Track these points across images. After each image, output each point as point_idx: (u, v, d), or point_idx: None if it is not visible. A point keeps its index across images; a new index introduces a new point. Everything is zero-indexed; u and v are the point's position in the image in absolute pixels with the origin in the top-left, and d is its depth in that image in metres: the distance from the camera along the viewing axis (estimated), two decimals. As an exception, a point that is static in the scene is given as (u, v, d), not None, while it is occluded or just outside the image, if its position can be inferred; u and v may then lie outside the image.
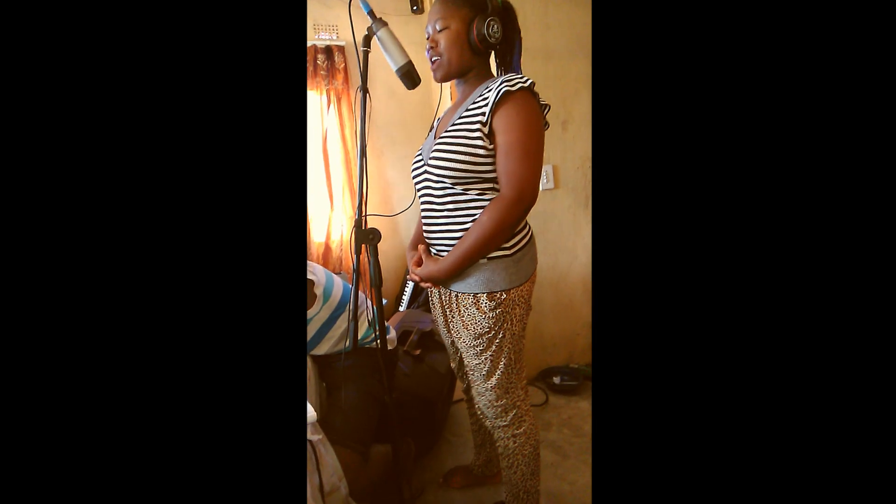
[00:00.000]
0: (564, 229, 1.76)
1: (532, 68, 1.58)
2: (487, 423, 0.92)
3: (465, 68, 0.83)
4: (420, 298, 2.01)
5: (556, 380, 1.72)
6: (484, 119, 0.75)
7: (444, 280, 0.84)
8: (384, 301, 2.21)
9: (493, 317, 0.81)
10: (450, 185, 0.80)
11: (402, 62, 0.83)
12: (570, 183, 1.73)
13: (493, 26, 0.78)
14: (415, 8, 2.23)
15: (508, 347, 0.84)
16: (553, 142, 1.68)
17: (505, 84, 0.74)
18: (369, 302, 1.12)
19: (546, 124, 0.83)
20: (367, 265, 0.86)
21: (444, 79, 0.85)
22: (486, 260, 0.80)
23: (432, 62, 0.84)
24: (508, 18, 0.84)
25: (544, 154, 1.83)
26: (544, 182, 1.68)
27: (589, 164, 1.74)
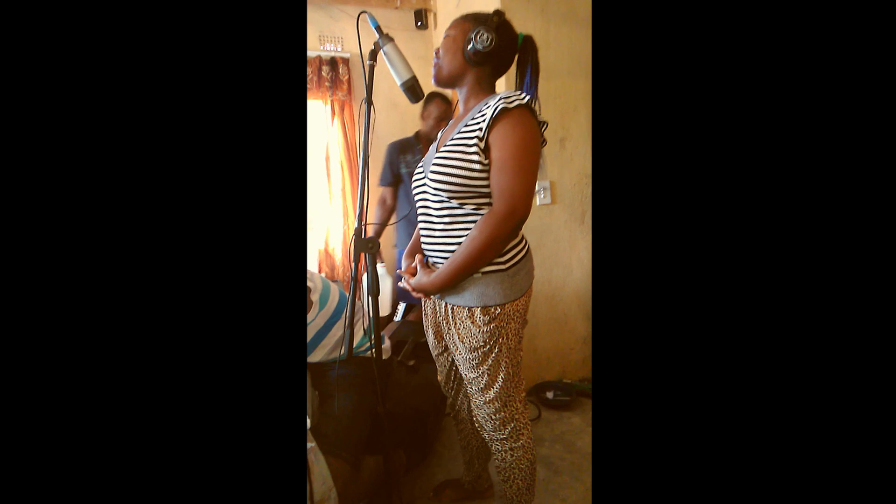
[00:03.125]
0: (560, 244, 1.77)
1: (532, 86, 1.62)
2: (485, 435, 0.92)
3: (456, 74, 0.86)
4: (414, 309, 2.01)
5: (549, 395, 1.71)
6: (481, 134, 0.77)
7: (435, 291, 0.85)
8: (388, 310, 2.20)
9: (487, 331, 0.82)
10: (446, 199, 0.82)
11: (406, 77, 0.85)
12: (566, 199, 1.75)
13: (481, 34, 0.80)
14: (419, 24, 2.28)
15: (506, 361, 0.85)
16: (551, 158, 1.70)
17: (502, 101, 0.76)
18: (365, 310, 1.12)
19: (544, 141, 0.85)
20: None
21: (437, 83, 0.89)
22: (480, 274, 0.81)
23: (434, 69, 0.88)
24: (526, 49, 0.88)
25: (543, 170, 1.84)
26: (541, 197, 1.70)
27: (585, 180, 1.77)
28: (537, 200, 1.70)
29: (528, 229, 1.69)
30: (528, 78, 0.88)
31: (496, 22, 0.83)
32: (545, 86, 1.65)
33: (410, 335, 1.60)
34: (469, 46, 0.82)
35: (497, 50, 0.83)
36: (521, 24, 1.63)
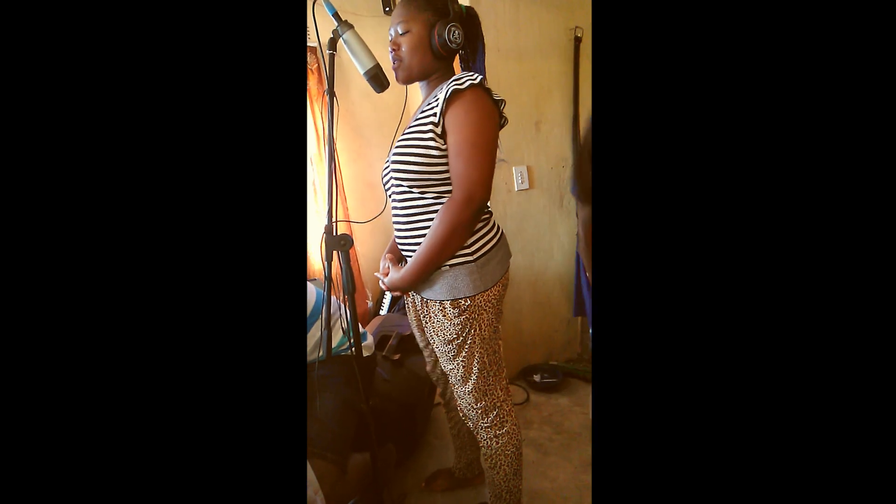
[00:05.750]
0: (540, 229, 1.77)
1: (505, 68, 1.59)
2: (470, 424, 0.92)
3: (427, 72, 0.83)
4: (400, 303, 2.00)
5: (537, 377, 1.73)
6: (435, 119, 0.75)
7: (407, 288, 0.84)
8: (369, 304, 2.17)
9: (458, 323, 0.81)
10: (408, 189, 0.80)
11: (369, 65, 0.82)
12: (544, 183, 1.75)
13: (454, 32, 0.78)
14: (387, 9, 2.21)
15: (480, 352, 0.84)
16: (527, 142, 1.69)
17: (454, 83, 0.73)
18: (343, 309, 1.10)
19: (503, 119, 0.82)
20: (339, 271, 0.84)
21: (405, 81, 0.85)
22: (448, 266, 0.80)
23: (394, 65, 0.83)
24: (472, 24, 0.84)
25: (519, 154, 1.82)
26: (519, 182, 1.69)
27: (563, 163, 1.77)
28: (515, 186, 1.69)
29: (507, 215, 1.69)
30: (481, 53, 0.85)
31: (461, 13, 0.80)
32: (516, 68, 1.63)
33: (395, 329, 1.59)
34: (438, 41, 0.78)
35: (465, 41, 0.80)
36: (490, 5, 1.59)
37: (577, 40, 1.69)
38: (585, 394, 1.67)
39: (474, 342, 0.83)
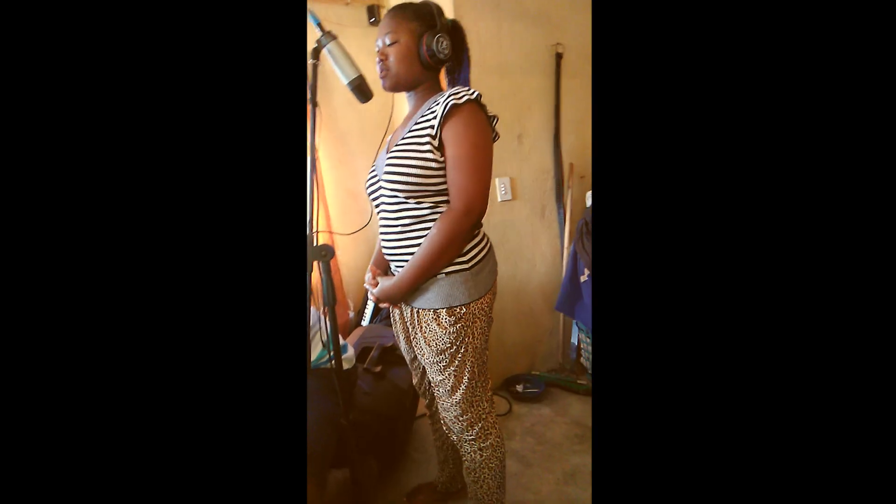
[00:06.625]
0: (523, 239, 1.79)
1: (488, 84, 1.62)
2: (454, 437, 0.91)
3: (415, 82, 0.84)
4: (382, 313, 1.97)
5: (519, 388, 1.73)
6: (433, 132, 0.76)
7: (400, 297, 0.84)
8: (351, 314, 2.14)
9: (453, 332, 0.81)
10: (403, 199, 0.80)
11: (352, 76, 0.82)
12: (527, 194, 1.77)
13: (441, 42, 0.80)
14: (372, 20, 2.23)
15: (471, 362, 0.84)
16: (510, 155, 1.72)
17: (452, 97, 0.75)
18: (322, 321, 1.07)
19: (496, 135, 0.85)
20: (320, 282, 0.83)
21: (392, 89, 0.86)
22: (443, 275, 0.80)
23: (381, 73, 0.84)
24: (457, 36, 0.86)
25: (502, 166, 1.85)
26: (502, 193, 1.71)
27: (544, 175, 1.80)
28: (498, 197, 1.71)
29: (490, 226, 1.70)
30: (466, 66, 0.87)
31: (447, 25, 0.82)
32: (499, 83, 1.66)
33: (377, 340, 1.57)
34: (427, 51, 0.80)
35: (452, 53, 0.82)
36: (473, 22, 1.62)
37: (559, 57, 1.73)
38: (568, 404, 1.67)
39: (467, 351, 0.83)
